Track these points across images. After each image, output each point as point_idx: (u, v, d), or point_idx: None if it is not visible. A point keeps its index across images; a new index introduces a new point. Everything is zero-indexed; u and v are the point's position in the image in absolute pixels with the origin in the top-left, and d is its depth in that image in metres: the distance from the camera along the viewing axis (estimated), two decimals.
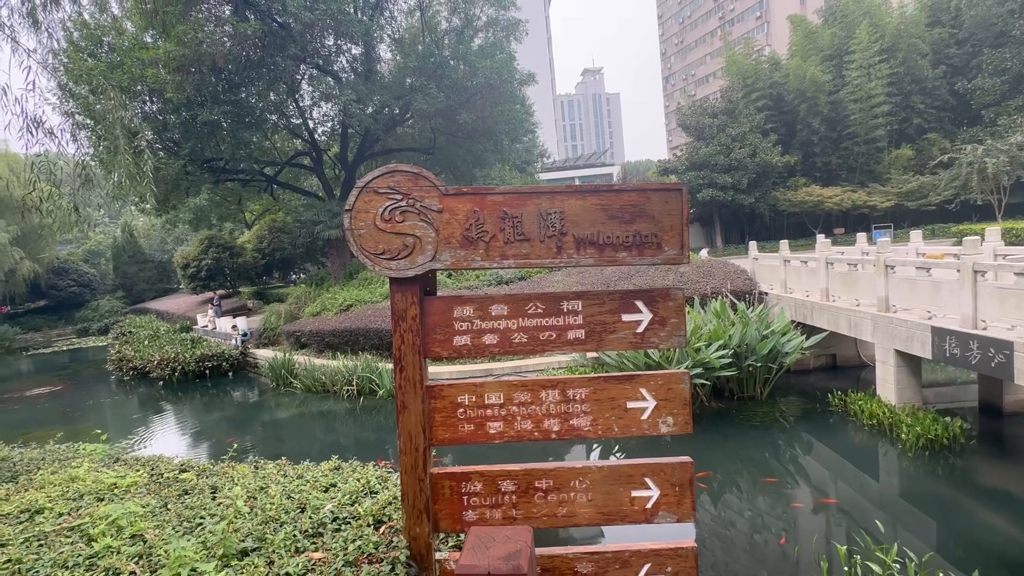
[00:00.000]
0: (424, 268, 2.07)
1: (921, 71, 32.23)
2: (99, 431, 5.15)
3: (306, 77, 19.94)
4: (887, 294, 9.55)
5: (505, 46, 20.01)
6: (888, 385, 9.48)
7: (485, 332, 2.13)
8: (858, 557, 5.23)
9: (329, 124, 23.05)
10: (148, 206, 22.41)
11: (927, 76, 32.35)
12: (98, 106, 14.88)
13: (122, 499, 3.03)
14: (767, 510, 7.35)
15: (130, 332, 24.91)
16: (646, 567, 2.14)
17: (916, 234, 14.78)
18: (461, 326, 2.13)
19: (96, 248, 46.88)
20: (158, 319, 30.29)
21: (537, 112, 27.57)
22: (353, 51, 20.28)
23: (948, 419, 8.51)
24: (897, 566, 4.83)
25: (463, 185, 23.40)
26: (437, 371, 12.69)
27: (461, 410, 2.15)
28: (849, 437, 9.12)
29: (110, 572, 2.11)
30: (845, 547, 5.31)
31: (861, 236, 16.07)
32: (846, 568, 5.10)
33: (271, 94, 18.82)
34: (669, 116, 74.67)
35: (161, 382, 17.94)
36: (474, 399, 2.15)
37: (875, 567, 4.87)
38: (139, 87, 16.49)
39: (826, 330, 11.34)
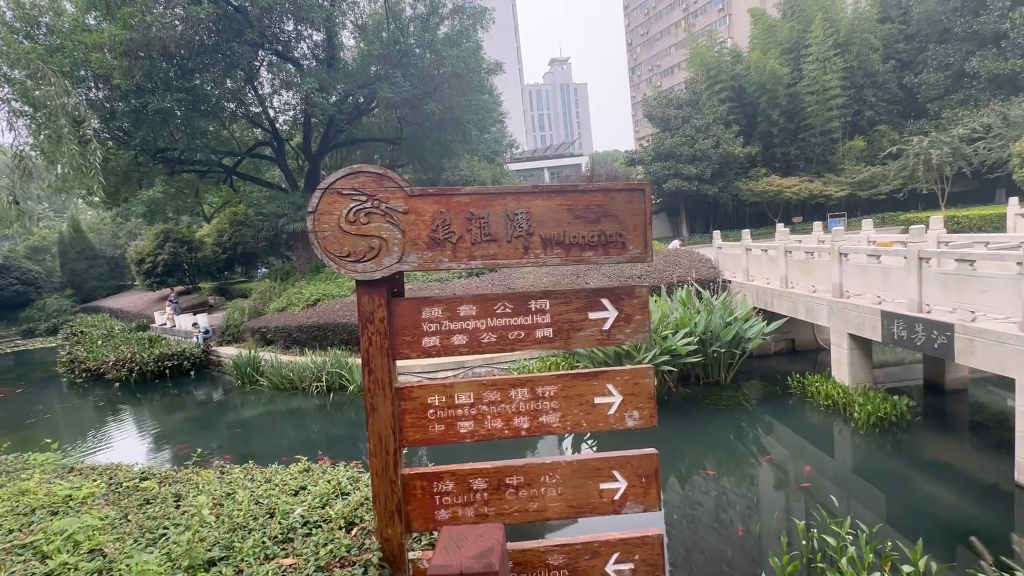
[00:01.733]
0: (391, 270, 2.05)
1: (873, 65, 33.58)
2: (49, 440, 4.90)
3: (265, 64, 19.20)
4: (841, 281, 10.01)
5: (472, 34, 19.75)
6: (842, 367, 9.98)
7: (454, 333, 2.14)
8: (815, 531, 5.54)
9: (291, 113, 22.31)
10: (96, 199, 21.23)
11: (878, 70, 33.73)
12: (37, 92, 13.94)
13: (78, 512, 2.91)
14: (731, 489, 7.67)
15: (82, 332, 23.70)
16: (615, 556, 2.21)
17: (868, 222, 15.51)
18: (430, 327, 2.13)
19: (40, 244, 44.08)
20: (112, 318, 28.90)
21: (505, 102, 27.42)
22: (314, 37, 19.63)
23: (896, 398, 9.04)
24: (850, 537, 5.13)
25: (431, 178, 23.09)
26: (409, 365, 12.58)
27: (431, 411, 2.16)
28: (807, 417, 9.58)
29: None
30: (803, 522, 5.62)
31: (817, 225, 16.76)
32: (804, 542, 5.40)
33: (228, 81, 18.04)
34: (636, 107, 75.47)
35: (117, 383, 17.18)
36: (444, 399, 2.16)
37: (830, 539, 5.17)
38: (83, 72, 15.52)
39: (786, 316, 11.81)
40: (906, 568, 4.57)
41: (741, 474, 8.13)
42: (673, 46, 67.91)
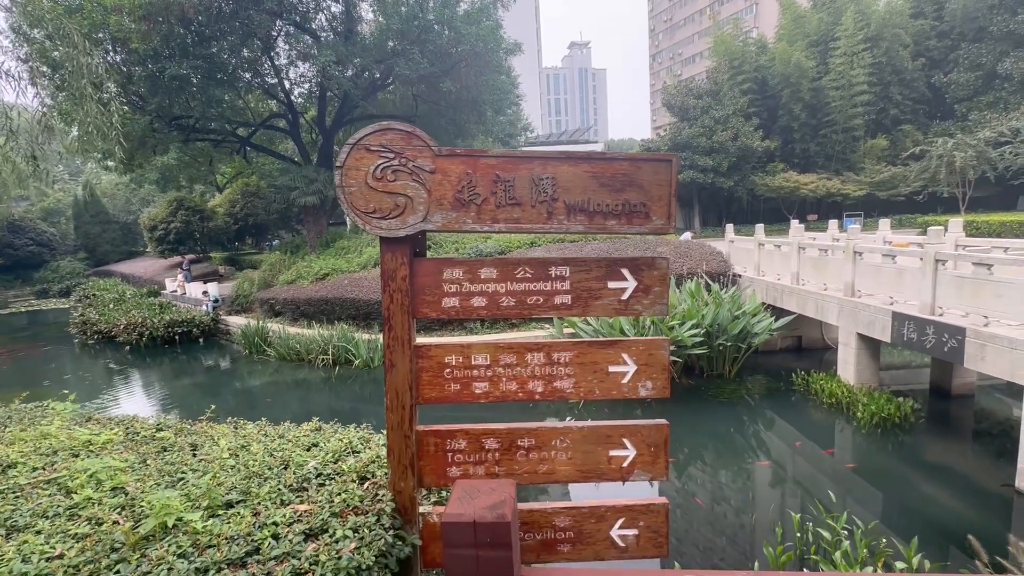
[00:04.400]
0: (415, 228, 2.07)
1: (902, 62, 32.73)
2: (67, 392, 5.03)
3: (282, 34, 19.03)
4: (853, 279, 9.93)
5: (492, 13, 19.42)
6: (848, 366, 9.95)
7: (474, 294, 2.16)
8: (810, 524, 5.60)
9: (306, 86, 22.18)
10: (113, 163, 21.33)
11: (907, 67, 32.88)
12: (55, 53, 13.94)
13: (98, 455, 3.00)
14: (729, 481, 7.74)
15: (94, 295, 24.05)
16: (620, 521, 2.26)
17: (884, 223, 15.30)
18: (450, 288, 2.15)
19: (55, 206, 44.55)
20: (123, 282, 29.27)
21: (522, 84, 27.04)
22: (333, 9, 19.40)
23: (901, 399, 9.02)
24: (845, 532, 5.19)
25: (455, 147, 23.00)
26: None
27: (448, 370, 2.19)
28: (809, 414, 9.59)
29: (93, 521, 2.12)
30: (799, 515, 5.67)
31: (833, 223, 16.57)
32: (798, 534, 5.46)
33: (244, 50, 17.91)
34: (654, 95, 74.24)
35: (128, 347, 17.49)
36: (461, 359, 2.20)
37: (825, 533, 5.23)
38: (100, 35, 15.47)
39: (794, 313, 11.75)
40: (899, 565, 4.62)
41: (739, 466, 8.19)
42: (697, 34, 66.46)
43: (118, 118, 8.55)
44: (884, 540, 5.25)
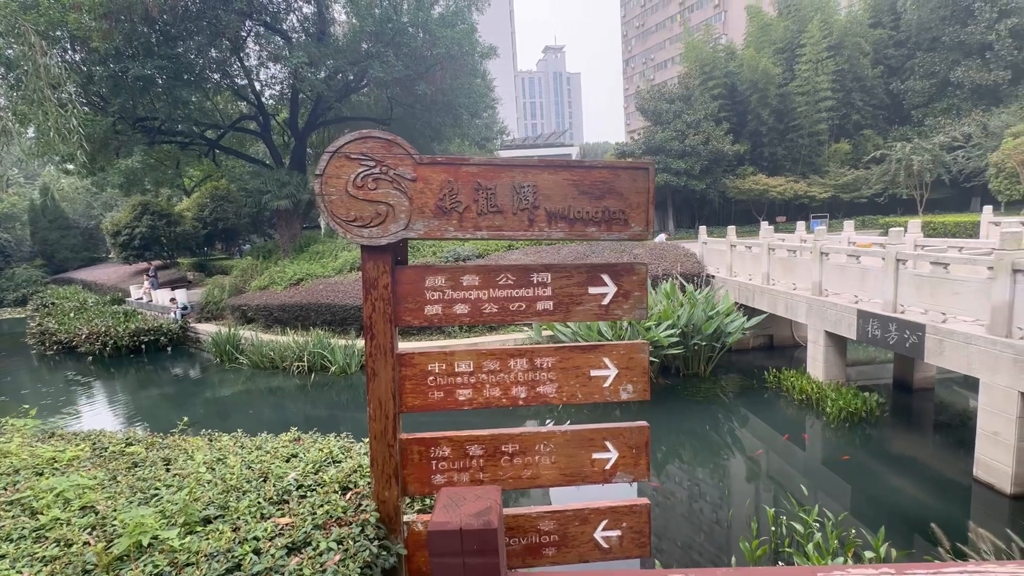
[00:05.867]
0: (397, 237, 2.07)
1: (862, 69, 34.10)
2: (27, 407, 4.81)
3: (252, 34, 18.63)
4: (820, 279, 10.27)
5: (467, 16, 19.43)
6: (817, 363, 10.29)
7: (456, 302, 2.17)
8: (784, 518, 5.77)
9: (278, 87, 21.75)
10: (73, 166, 20.48)
11: (867, 75, 34.27)
12: (9, 51, 13.34)
13: (64, 473, 2.88)
14: (706, 478, 7.90)
15: (53, 303, 23.03)
16: (603, 523, 2.29)
17: (849, 224, 15.91)
18: (433, 295, 2.16)
19: (10, 211, 42.40)
20: (85, 290, 28.12)
21: (497, 87, 27.10)
22: (304, 10, 19.09)
23: (867, 394, 9.38)
24: (817, 525, 5.37)
25: (436, 155, 22.88)
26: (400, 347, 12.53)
27: (431, 377, 2.19)
28: (781, 411, 9.87)
29: (61, 543, 2.03)
30: (773, 509, 5.84)
31: (800, 224, 17.12)
32: (773, 528, 5.62)
33: (212, 50, 17.46)
34: (628, 99, 75.40)
35: (90, 357, 16.80)
36: (444, 367, 2.20)
37: (798, 526, 5.40)
38: (59, 32, 14.86)
39: (766, 312, 12.09)
40: (868, 554, 4.81)
41: (716, 464, 8.37)
42: (668, 40, 67.84)
43: (78, 120, 8.22)
44: (853, 531, 5.45)
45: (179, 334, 17.89)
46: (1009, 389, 6.38)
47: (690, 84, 34.80)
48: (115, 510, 2.25)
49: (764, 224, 14.19)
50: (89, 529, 2.13)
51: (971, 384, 8.52)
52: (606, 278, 2.19)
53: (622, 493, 6.28)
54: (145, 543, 1.94)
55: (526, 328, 12.83)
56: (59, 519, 2.20)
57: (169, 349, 17.47)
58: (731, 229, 14.73)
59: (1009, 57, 30.10)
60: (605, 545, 2.31)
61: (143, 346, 17.05)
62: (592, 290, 2.19)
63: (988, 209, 15.81)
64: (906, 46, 34.34)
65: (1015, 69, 30.44)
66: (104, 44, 14.72)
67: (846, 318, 9.34)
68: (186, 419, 4.15)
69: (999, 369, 6.51)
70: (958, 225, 23.74)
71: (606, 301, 2.19)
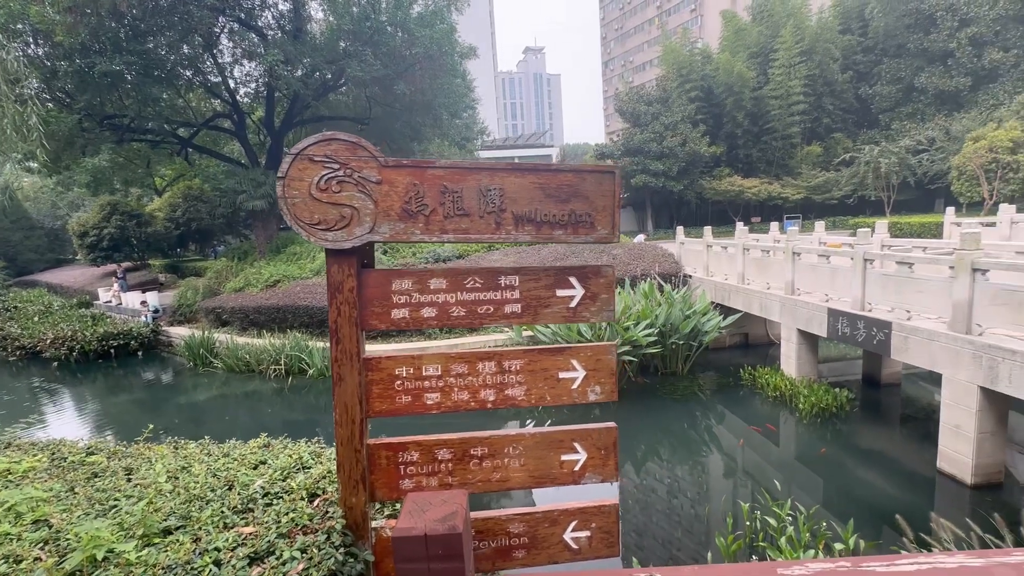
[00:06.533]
0: (362, 240, 2.04)
1: (832, 74, 35.07)
2: None
3: (226, 31, 18.21)
4: (793, 279, 10.52)
5: (446, 16, 19.34)
6: (790, 361, 10.53)
7: (424, 305, 2.15)
8: (758, 512, 5.89)
9: (253, 85, 21.30)
10: (35, 164, 19.73)
11: (837, 79, 35.26)
12: None
13: (18, 486, 2.77)
14: (684, 475, 8.01)
15: (15, 307, 22.13)
16: (573, 523, 2.30)
17: (820, 225, 16.32)
18: (399, 299, 2.14)
19: None
20: (50, 293, 27.11)
21: (477, 88, 27.05)
22: (280, 6, 18.75)
23: (837, 390, 9.64)
24: (790, 518, 5.49)
25: (402, 158, 22.74)
26: (372, 350, 12.42)
27: (399, 382, 2.17)
28: (756, 407, 10.08)
29: (10, 559, 1.95)
30: (748, 504, 5.96)
31: (774, 225, 17.51)
32: (748, 523, 5.73)
33: (184, 46, 17.01)
34: (607, 101, 76.11)
35: (56, 363, 16.20)
36: (412, 371, 2.18)
37: (772, 520, 5.51)
38: (19, 26, 14.29)
39: (741, 311, 12.32)
40: (838, 546, 4.94)
41: (693, 460, 8.50)
42: (646, 43, 68.70)
43: (38, 117, 7.90)
44: (824, 524, 5.59)
45: (150, 338, 17.39)
46: (969, 384, 6.63)
47: (668, 87, 35.32)
48: (70, 523, 2.17)
49: (739, 224, 14.48)
50: (41, 544, 2.05)
51: (935, 379, 8.83)
52: (574, 280, 2.20)
53: (602, 493, 6.33)
54: (100, 557, 1.88)
55: (507, 329, 12.83)
56: (9, 534, 2.12)
57: (140, 354, 16.97)
58: (707, 230, 14.98)
59: (969, 64, 31.30)
60: (575, 546, 2.32)
61: (112, 351, 16.53)
62: (560, 292, 2.19)
63: (951, 210, 16.42)
64: (874, 52, 35.44)
65: (975, 76, 31.66)
66: (68, 39, 14.19)
67: (817, 316, 9.58)
68: (151, 426, 4.03)
69: (960, 364, 6.76)
70: (923, 226, 24.57)
71: (574, 304, 2.20)
